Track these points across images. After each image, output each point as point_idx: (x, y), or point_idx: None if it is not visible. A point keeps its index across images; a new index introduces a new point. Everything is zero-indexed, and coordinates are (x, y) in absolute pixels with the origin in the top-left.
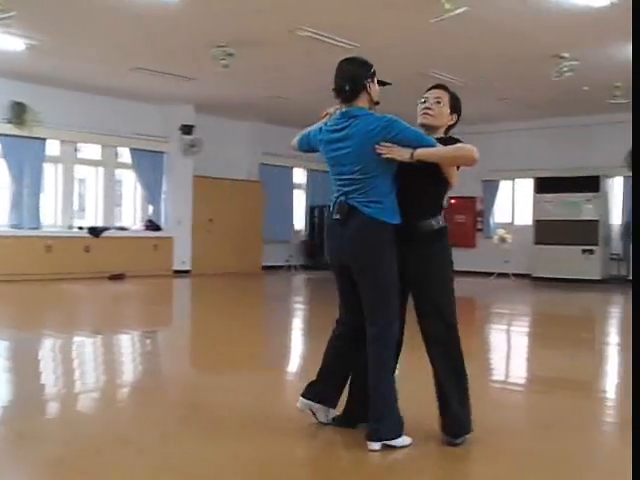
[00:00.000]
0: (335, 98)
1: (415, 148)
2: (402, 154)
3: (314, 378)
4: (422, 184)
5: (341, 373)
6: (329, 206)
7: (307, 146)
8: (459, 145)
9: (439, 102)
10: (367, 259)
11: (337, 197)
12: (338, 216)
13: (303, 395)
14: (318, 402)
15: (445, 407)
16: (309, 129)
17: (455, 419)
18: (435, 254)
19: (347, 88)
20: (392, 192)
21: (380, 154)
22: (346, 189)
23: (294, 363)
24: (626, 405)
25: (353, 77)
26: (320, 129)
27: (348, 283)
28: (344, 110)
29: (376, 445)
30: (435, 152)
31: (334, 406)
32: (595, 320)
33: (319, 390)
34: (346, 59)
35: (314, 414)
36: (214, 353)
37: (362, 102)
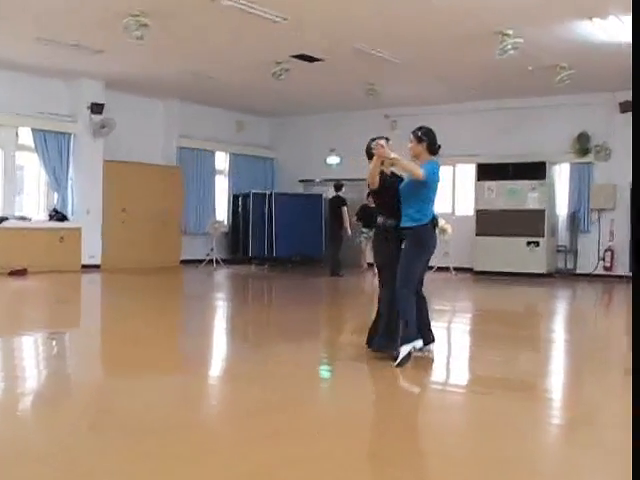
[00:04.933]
0: (436, 152)
1: None
2: None
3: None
4: None
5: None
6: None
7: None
8: None
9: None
10: None
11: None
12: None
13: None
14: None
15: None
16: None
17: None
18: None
19: None
20: None
21: None
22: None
23: (212, 365)
24: (571, 406)
25: None
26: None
27: None
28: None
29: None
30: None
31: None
32: (540, 316)
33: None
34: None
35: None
36: (125, 356)
37: None
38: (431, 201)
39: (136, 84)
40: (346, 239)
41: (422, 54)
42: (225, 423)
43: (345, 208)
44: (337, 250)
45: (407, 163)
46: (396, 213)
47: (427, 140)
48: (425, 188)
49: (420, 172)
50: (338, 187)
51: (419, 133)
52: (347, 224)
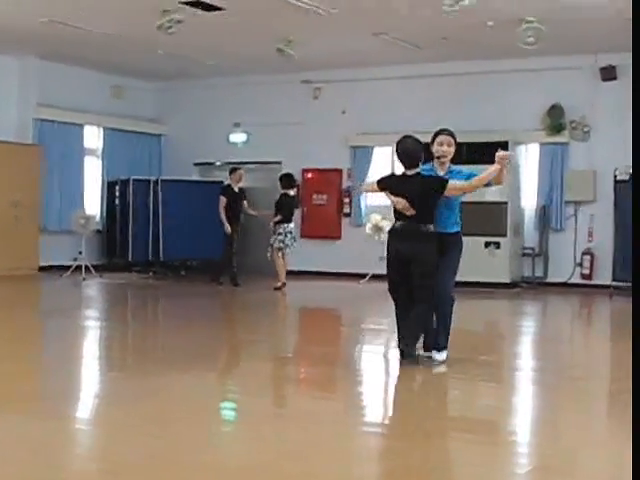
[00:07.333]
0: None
1: None
2: None
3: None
4: None
5: None
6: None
7: None
8: None
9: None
10: None
11: None
12: None
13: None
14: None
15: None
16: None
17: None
18: None
19: None
20: None
21: None
22: None
23: (74, 404)
24: (542, 452)
25: None
26: None
27: None
28: None
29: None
30: None
31: None
32: (502, 338)
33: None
34: None
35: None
36: None
37: None
38: None
39: None
40: (236, 237)
41: (355, 3)
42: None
43: (222, 198)
44: (226, 251)
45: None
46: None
47: None
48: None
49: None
50: (229, 172)
51: (455, 136)
52: (222, 217)
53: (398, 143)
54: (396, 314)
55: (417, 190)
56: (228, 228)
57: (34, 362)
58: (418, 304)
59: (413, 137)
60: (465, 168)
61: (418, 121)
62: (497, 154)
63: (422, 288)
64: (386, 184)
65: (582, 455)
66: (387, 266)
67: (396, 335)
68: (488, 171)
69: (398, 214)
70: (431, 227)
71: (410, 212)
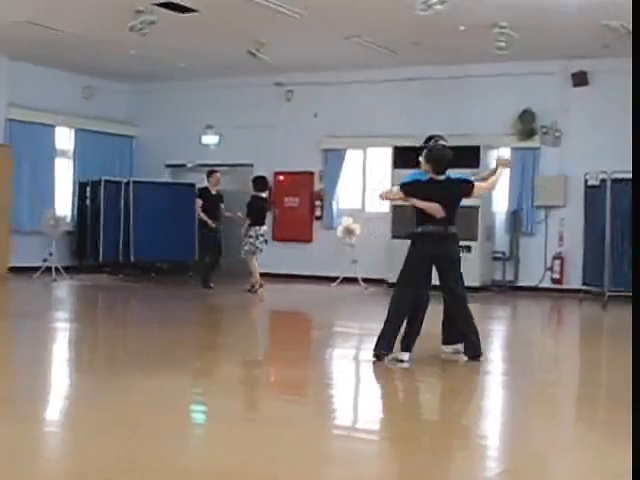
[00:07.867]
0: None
1: None
2: None
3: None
4: None
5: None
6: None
7: None
8: None
9: None
10: None
11: None
12: None
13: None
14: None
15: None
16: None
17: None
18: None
19: None
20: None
21: None
22: None
23: (41, 407)
24: (512, 454)
25: None
26: None
27: None
28: None
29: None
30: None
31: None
32: None
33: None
34: None
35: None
36: None
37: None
38: None
39: None
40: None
41: (328, 7)
42: None
43: (198, 201)
44: (204, 255)
45: None
46: None
47: None
48: None
49: None
50: (207, 174)
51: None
52: (202, 217)
53: (429, 150)
54: (391, 318)
55: (451, 194)
56: (212, 223)
57: (2, 365)
58: (463, 303)
59: (440, 144)
60: (452, 173)
61: (390, 125)
62: (497, 159)
63: (462, 285)
64: (413, 190)
65: (552, 458)
66: (410, 268)
67: (377, 338)
68: (497, 174)
69: (425, 217)
70: (454, 228)
71: (441, 215)
